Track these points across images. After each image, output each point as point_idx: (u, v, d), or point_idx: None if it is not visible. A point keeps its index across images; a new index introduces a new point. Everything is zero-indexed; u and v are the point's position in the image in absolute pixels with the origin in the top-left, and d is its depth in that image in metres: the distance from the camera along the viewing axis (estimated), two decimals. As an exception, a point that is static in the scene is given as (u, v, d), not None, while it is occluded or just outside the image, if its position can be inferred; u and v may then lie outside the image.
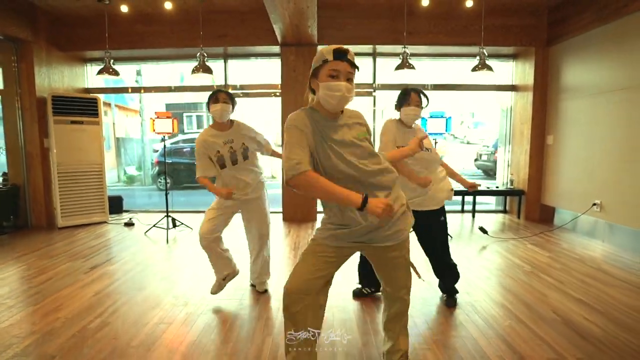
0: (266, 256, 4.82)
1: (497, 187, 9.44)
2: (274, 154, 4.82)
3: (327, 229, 2.69)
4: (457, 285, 4.46)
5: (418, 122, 4.47)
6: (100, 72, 7.46)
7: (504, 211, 9.71)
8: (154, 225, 7.98)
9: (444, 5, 7.91)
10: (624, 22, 6.40)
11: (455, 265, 4.41)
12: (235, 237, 6.37)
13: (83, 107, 8.29)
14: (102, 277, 5.29)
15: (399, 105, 4.18)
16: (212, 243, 4.44)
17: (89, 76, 9.44)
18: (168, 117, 7.39)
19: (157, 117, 7.38)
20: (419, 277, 2.94)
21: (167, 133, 7.44)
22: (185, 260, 5.92)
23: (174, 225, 8.00)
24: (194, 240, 6.59)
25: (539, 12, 8.30)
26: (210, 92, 4.42)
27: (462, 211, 9.67)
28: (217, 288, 4.63)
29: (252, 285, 4.95)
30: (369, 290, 4.59)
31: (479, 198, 9.88)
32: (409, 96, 4.07)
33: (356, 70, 2.60)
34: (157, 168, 16.22)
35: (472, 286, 4.91)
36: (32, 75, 7.87)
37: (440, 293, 4.55)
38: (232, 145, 4.40)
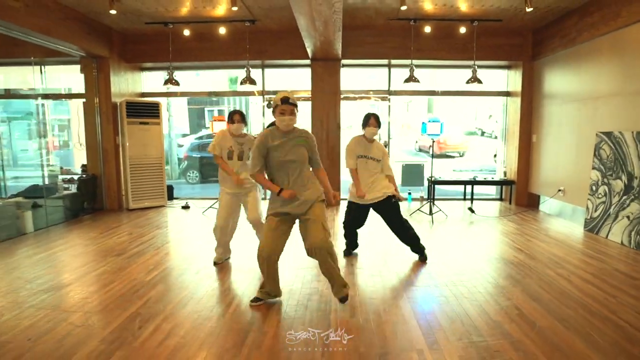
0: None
1: (492, 178, 12.79)
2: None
3: (274, 205, 5.24)
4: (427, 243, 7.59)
5: (376, 137, 7.21)
6: (165, 82, 10.81)
7: (500, 199, 13.02)
8: (210, 207, 11.32)
9: (445, 28, 11.02)
10: (577, 49, 9.65)
11: (411, 228, 7.20)
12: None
13: (148, 110, 11.68)
14: (189, 238, 8.63)
15: (363, 126, 6.97)
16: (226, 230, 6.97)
17: (144, 82, 12.86)
18: (222, 120, 10.69)
19: (214, 120, 10.72)
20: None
21: (222, 133, 10.76)
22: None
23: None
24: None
25: (524, 34, 11.49)
26: (229, 113, 6.82)
27: (464, 199, 12.93)
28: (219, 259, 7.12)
29: None
30: (350, 250, 7.56)
31: (480, 189, 13.24)
32: (369, 119, 6.89)
33: (295, 107, 5.00)
34: (185, 162, 19.13)
35: (454, 244, 8.28)
36: (108, 84, 11.18)
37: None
38: (241, 146, 6.80)
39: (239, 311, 5.16)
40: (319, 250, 5.02)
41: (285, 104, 4.97)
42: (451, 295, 5.63)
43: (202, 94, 14.69)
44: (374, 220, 7.51)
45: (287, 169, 5.12)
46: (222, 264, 6.99)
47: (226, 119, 6.98)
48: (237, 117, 6.73)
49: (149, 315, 5.01)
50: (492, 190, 13.72)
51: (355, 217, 7.17)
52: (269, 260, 5.13)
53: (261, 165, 5.14)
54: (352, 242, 7.48)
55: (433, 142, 10.71)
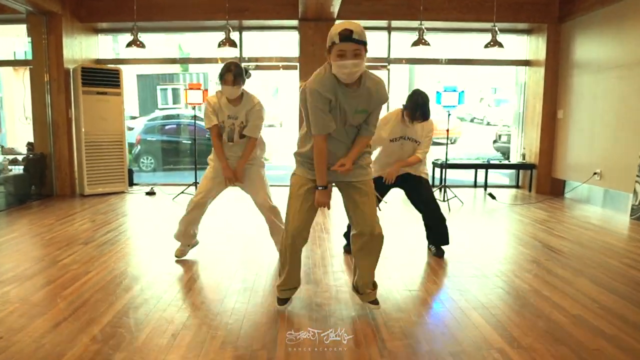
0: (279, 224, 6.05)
1: (508, 162, 12.42)
2: (249, 143, 5.87)
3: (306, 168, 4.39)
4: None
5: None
6: (128, 44, 10.20)
7: (517, 186, 12.66)
8: (181, 192, 10.79)
9: (459, -18, 10.76)
10: (620, 6, 9.31)
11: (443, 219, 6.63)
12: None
13: (107, 78, 11.07)
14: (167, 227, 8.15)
15: (407, 110, 6.03)
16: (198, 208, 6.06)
17: (100, 47, 12.26)
18: (199, 89, 10.20)
19: (189, 89, 10.21)
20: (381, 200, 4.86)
21: (198, 104, 10.27)
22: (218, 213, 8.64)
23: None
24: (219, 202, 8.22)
25: (550, -10, 11.20)
26: (221, 68, 5.55)
27: (475, 186, 12.57)
28: (181, 253, 6.29)
29: None
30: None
31: (493, 177, 12.86)
32: (417, 112, 5.93)
33: (363, 45, 3.80)
34: (138, 147, 18.28)
35: (483, 231, 7.88)
36: (60, 47, 10.57)
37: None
38: (234, 121, 5.71)
39: (236, 308, 4.79)
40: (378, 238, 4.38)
41: (346, 41, 3.78)
42: (508, 287, 5.29)
43: (167, 61, 14.09)
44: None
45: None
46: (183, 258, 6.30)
47: (218, 78, 5.64)
48: (231, 78, 5.46)
49: (144, 310, 4.60)
50: (505, 179, 13.39)
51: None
52: (293, 247, 4.43)
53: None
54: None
55: (449, 115, 10.21)
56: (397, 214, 7.74)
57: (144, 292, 5.06)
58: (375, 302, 4.55)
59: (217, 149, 5.82)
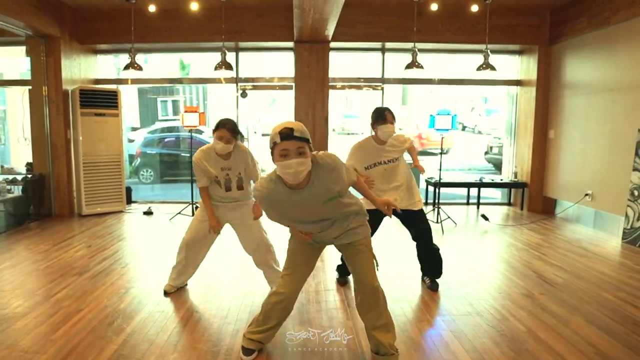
0: (276, 268, 5.95)
1: (501, 180, 12.23)
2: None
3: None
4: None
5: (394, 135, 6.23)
6: (126, 67, 9.99)
7: (509, 203, 12.46)
8: (178, 213, 10.60)
9: (451, 6, 10.51)
10: (611, 30, 9.13)
11: (437, 250, 6.44)
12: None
13: (106, 99, 10.87)
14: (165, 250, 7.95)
15: (375, 124, 5.90)
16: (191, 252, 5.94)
17: (99, 67, 12.07)
18: (195, 112, 10.01)
19: (186, 112, 10.02)
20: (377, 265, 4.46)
21: (194, 127, 10.09)
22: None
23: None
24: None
25: (542, 13, 10.98)
26: (216, 125, 5.41)
27: (468, 204, 12.39)
28: (170, 289, 6.07)
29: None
30: (348, 275, 6.60)
31: (485, 192, 12.65)
32: (384, 115, 5.81)
33: (307, 142, 3.59)
34: (139, 160, 18.25)
35: (476, 259, 7.69)
36: (59, 69, 10.38)
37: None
38: (228, 172, 5.58)
39: (236, 315, 4.43)
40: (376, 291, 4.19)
41: (287, 139, 3.58)
42: (503, 328, 5.08)
43: (164, 81, 13.92)
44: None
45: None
46: (175, 292, 6.09)
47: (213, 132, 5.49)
48: (227, 134, 5.38)
49: (134, 356, 4.39)
50: (497, 193, 13.23)
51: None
52: (286, 303, 4.29)
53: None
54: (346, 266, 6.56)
55: (442, 138, 10.05)
56: (390, 241, 7.51)
57: (135, 336, 4.83)
58: None
59: (206, 204, 5.71)
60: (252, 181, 5.75)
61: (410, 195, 6.13)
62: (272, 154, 3.65)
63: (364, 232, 4.22)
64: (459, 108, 26.27)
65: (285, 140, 3.52)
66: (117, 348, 4.52)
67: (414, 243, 6.32)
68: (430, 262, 6.29)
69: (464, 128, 26.42)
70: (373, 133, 6.04)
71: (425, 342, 4.79)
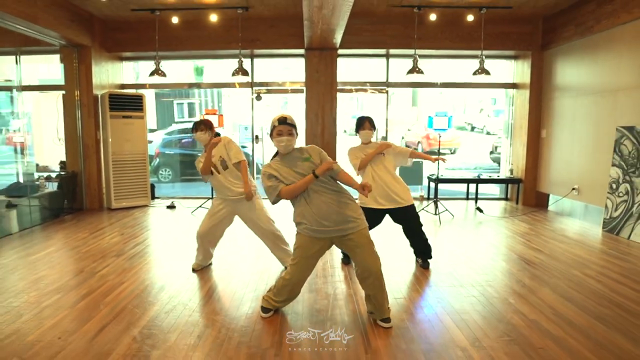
0: (285, 248, 6.94)
1: (498, 176, 13.18)
2: (242, 167, 6.79)
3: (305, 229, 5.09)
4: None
5: (373, 139, 7.38)
6: (151, 74, 10.99)
7: (506, 198, 13.38)
8: (199, 207, 11.57)
9: (449, 15, 11.34)
10: (594, 38, 10.00)
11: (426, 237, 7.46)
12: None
13: (132, 103, 11.90)
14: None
15: (357, 130, 7.19)
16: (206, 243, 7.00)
17: (124, 73, 13.09)
18: (215, 114, 10.95)
19: (206, 114, 10.97)
20: None
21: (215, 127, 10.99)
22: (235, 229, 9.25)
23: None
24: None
25: (534, 21, 11.85)
26: (193, 123, 6.89)
27: (467, 198, 13.30)
28: (197, 267, 7.10)
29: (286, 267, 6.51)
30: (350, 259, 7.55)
31: (484, 188, 13.56)
32: (363, 123, 7.09)
33: (294, 127, 5.10)
34: (157, 160, 18.97)
35: (468, 244, 8.63)
36: (90, 75, 11.38)
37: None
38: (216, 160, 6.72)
39: (249, 314, 5.42)
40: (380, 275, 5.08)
41: (282, 124, 5.07)
42: (480, 295, 5.97)
43: (182, 86, 14.93)
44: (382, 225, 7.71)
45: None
46: (202, 270, 7.06)
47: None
48: (202, 127, 6.86)
49: (173, 315, 5.33)
50: (496, 189, 14.09)
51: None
52: (293, 287, 5.28)
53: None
54: None
55: (440, 137, 11.03)
56: (388, 228, 8.32)
57: (171, 300, 5.78)
58: (388, 320, 5.10)
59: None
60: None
61: (403, 196, 7.06)
62: (271, 134, 5.14)
63: (362, 224, 5.09)
64: (468, 109, 26.80)
65: (281, 125, 5.06)
66: (158, 309, 5.49)
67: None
68: (421, 250, 7.28)
69: (472, 129, 26.81)
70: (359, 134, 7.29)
71: (415, 306, 5.70)
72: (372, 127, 7.16)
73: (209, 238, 6.96)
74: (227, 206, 6.82)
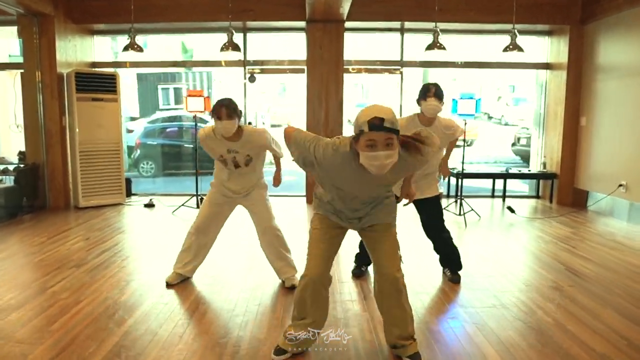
0: (284, 254, 6.13)
1: (529, 171, 12.32)
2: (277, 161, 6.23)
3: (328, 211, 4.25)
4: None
5: (442, 115, 6.37)
6: (125, 48, 10.10)
7: (537, 196, 12.56)
8: (181, 205, 10.72)
9: (476, -18, 10.64)
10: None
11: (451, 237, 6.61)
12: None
13: (103, 83, 11.00)
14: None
15: (420, 99, 6.05)
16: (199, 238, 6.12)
17: (96, 49, 12.20)
18: (200, 96, 10.12)
19: (189, 96, 10.13)
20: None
21: (200, 112, 10.18)
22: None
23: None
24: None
25: (572, -10, 11.08)
26: (213, 106, 5.49)
27: (492, 196, 12.49)
28: (174, 279, 6.16)
29: (283, 281, 6.15)
30: (365, 267, 6.74)
31: (511, 185, 12.73)
32: (429, 90, 5.91)
33: (396, 134, 3.50)
34: (138, 151, 18.28)
35: (501, 251, 7.79)
36: (53, 50, 10.51)
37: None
38: (235, 155, 5.67)
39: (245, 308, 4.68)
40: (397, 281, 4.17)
41: (376, 130, 3.45)
42: (528, 320, 5.17)
43: (165, 64, 13.96)
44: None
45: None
46: (179, 285, 6.15)
47: (211, 114, 5.61)
48: (225, 111, 5.40)
49: (137, 348, 4.48)
50: (524, 186, 13.33)
51: None
52: (313, 286, 4.17)
53: None
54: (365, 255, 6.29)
55: (465, 124, 10.09)
56: (410, 234, 7.59)
57: (137, 327, 4.93)
58: (416, 356, 4.20)
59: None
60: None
61: (429, 187, 6.29)
62: (357, 140, 3.57)
63: (392, 217, 4.29)
64: (484, 96, 26.35)
65: (373, 131, 3.43)
66: (119, 340, 4.61)
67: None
68: (448, 257, 6.45)
69: (489, 118, 26.46)
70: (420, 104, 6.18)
71: (447, 334, 4.89)
72: (440, 98, 5.99)
73: (205, 232, 6.07)
74: (230, 201, 6.08)
